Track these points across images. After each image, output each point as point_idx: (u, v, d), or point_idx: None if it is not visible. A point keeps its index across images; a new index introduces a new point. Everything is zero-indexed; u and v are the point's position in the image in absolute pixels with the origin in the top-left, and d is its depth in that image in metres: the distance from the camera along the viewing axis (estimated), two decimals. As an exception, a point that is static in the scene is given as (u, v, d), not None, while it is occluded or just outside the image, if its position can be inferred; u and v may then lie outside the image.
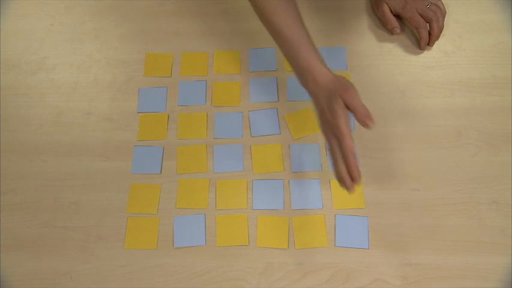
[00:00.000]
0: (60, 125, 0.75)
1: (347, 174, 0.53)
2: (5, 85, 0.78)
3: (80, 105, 0.76)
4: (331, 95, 0.55)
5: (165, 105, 0.76)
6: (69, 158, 0.72)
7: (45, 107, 0.76)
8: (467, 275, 0.62)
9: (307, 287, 0.62)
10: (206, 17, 0.83)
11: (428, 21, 0.76)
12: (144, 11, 0.84)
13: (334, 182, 0.68)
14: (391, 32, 0.79)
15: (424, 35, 0.76)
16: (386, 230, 0.65)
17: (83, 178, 0.70)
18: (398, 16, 0.79)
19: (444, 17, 0.77)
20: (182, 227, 0.66)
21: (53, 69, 0.80)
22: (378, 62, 0.78)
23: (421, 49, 0.78)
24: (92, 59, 0.80)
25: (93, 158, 0.72)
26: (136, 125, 0.74)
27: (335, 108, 0.53)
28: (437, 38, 0.77)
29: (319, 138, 0.72)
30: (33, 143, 0.73)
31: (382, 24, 0.80)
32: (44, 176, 0.71)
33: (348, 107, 0.53)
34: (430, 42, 0.77)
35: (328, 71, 0.57)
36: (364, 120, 0.52)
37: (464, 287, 0.61)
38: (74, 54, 0.81)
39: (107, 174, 0.70)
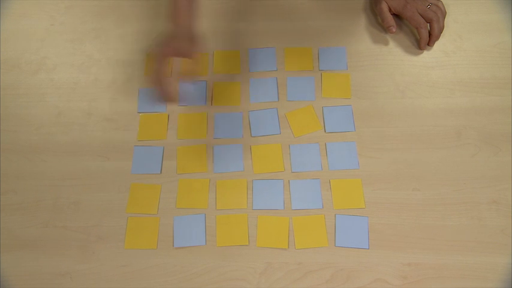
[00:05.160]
0: (60, 125, 0.75)
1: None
2: (5, 85, 0.78)
3: (80, 105, 0.76)
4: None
5: (165, 105, 0.76)
6: (69, 158, 0.72)
7: (45, 107, 0.76)
8: (467, 275, 0.62)
9: (307, 287, 0.62)
10: (206, 17, 0.83)
11: (428, 21, 0.76)
12: (144, 11, 0.84)
13: (334, 182, 0.68)
14: (387, 30, 0.79)
15: (424, 35, 0.76)
16: (387, 230, 0.65)
17: (83, 178, 0.70)
18: (398, 16, 0.79)
19: (444, 17, 0.77)
20: (182, 227, 0.66)
21: (53, 69, 0.80)
22: (378, 62, 0.78)
23: (420, 49, 0.78)
24: (92, 59, 0.80)
25: (93, 158, 0.72)
26: (136, 125, 0.74)
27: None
28: (438, 38, 0.77)
29: (319, 138, 0.72)
30: (33, 143, 0.73)
31: (381, 24, 0.80)
32: (44, 176, 0.71)
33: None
34: (430, 43, 0.77)
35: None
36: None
37: (464, 287, 0.61)
38: (74, 54, 0.81)
39: (107, 174, 0.70)
